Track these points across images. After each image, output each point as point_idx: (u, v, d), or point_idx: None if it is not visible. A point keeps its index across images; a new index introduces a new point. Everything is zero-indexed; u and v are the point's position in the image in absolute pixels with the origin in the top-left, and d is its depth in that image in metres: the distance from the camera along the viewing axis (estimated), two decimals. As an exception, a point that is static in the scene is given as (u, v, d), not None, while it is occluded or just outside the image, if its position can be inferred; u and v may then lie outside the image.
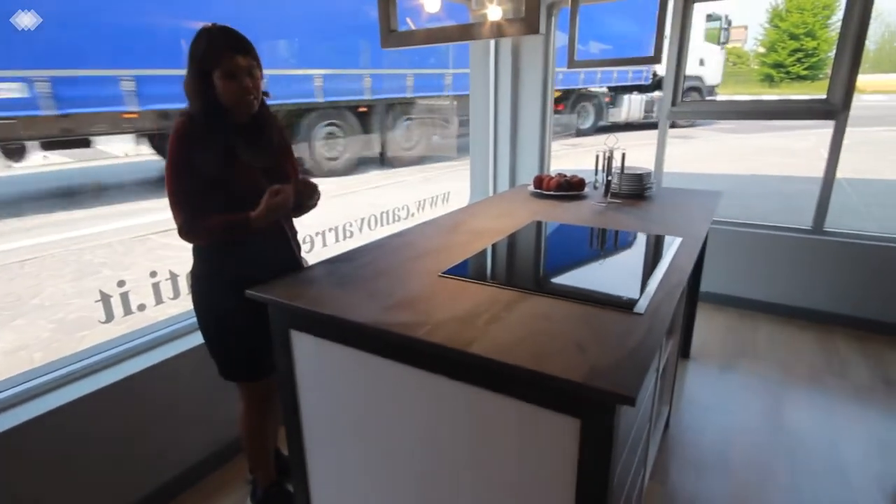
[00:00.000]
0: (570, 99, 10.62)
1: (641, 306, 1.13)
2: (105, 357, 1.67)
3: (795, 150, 8.95)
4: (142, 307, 1.80)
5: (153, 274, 1.83)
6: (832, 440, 2.03)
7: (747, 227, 3.14)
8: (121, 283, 1.73)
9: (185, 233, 1.32)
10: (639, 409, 1.25)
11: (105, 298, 1.68)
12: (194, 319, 1.55)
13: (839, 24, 2.66)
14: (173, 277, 1.86)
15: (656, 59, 1.83)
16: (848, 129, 2.76)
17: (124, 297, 1.73)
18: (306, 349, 1.27)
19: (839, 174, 2.86)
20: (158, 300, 1.85)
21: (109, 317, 1.69)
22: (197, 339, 1.80)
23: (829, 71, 2.74)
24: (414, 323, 1.07)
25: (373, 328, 1.08)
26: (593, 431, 0.89)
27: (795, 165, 7.79)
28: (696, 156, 9.34)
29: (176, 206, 1.30)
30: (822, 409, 2.24)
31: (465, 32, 0.94)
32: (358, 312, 1.14)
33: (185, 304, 1.58)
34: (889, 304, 2.82)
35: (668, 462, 1.95)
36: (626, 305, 1.14)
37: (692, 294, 2.62)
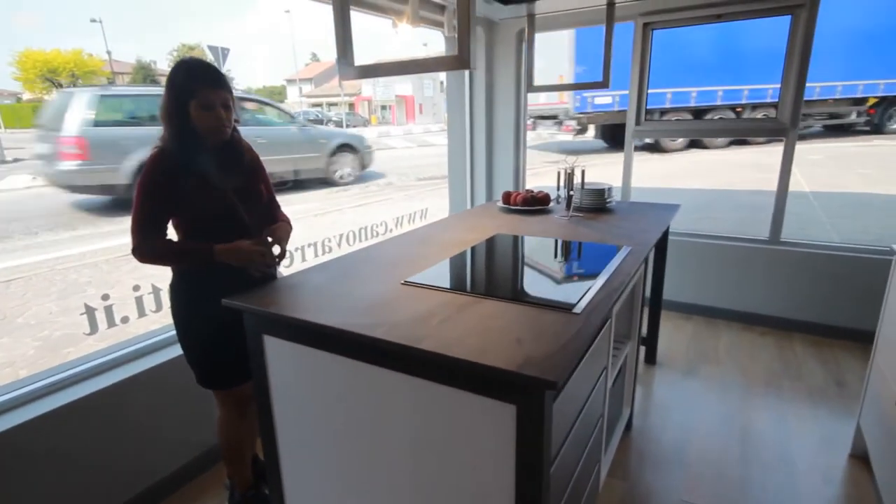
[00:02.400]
0: (882, 105, 11.35)
1: (580, 307, 1.26)
2: (85, 369, 1.75)
3: (766, 165, 9.25)
4: (125, 319, 1.89)
5: (136, 288, 1.92)
6: (783, 437, 2.15)
7: (710, 239, 3.31)
8: (105, 297, 1.82)
9: (137, 253, 1.43)
10: (582, 401, 1.37)
11: (90, 311, 1.77)
12: (173, 332, 1.64)
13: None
14: (155, 291, 1.96)
15: (605, 84, 1.99)
16: (818, 144, 2.96)
17: (108, 311, 1.82)
18: (278, 353, 1.37)
19: (807, 188, 3.05)
20: (141, 313, 1.94)
21: (94, 329, 1.78)
22: (174, 350, 1.89)
23: None
24: (373, 324, 1.19)
25: (336, 330, 1.19)
26: (527, 416, 1.00)
27: (766, 180, 8.06)
28: (672, 171, 9.61)
29: (134, 228, 1.41)
30: (776, 409, 2.37)
31: (410, 66, 1.08)
32: (324, 317, 1.25)
33: (167, 317, 1.67)
34: (843, 309, 2.97)
35: (629, 459, 2.06)
36: (566, 307, 1.26)
37: (655, 303, 2.76)
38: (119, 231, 5.51)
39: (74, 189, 5.75)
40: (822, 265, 2.99)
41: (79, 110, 5.26)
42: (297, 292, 1.45)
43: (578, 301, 1.29)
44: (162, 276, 1.52)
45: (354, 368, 1.22)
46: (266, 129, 6.79)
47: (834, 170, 8.47)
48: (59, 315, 3.44)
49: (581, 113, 10.00)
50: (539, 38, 2.35)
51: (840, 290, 2.97)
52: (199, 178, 1.43)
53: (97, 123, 5.27)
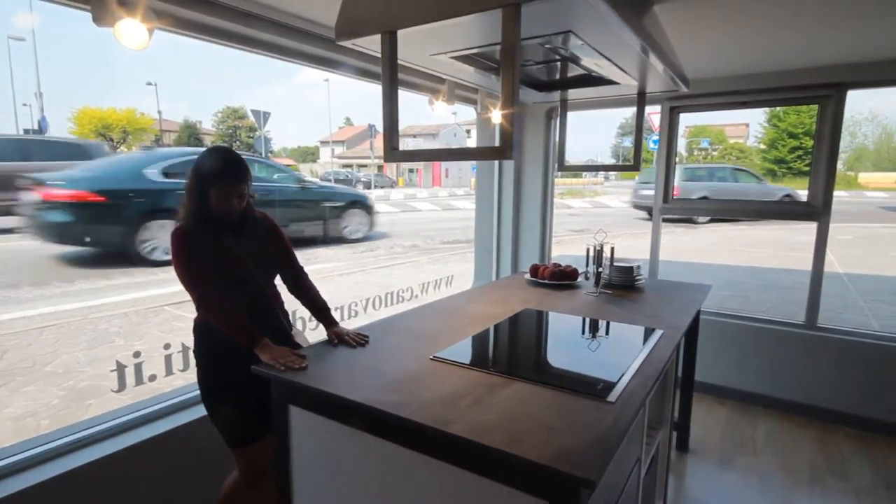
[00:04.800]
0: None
1: (614, 395, 1.22)
2: (105, 428, 1.73)
3: (794, 244, 9.11)
4: (153, 377, 1.91)
5: (167, 346, 1.95)
6: (832, 545, 1.97)
7: (743, 320, 3.21)
8: (136, 354, 1.85)
9: (201, 307, 1.54)
10: (616, 494, 1.29)
11: (120, 368, 1.80)
12: (193, 393, 1.67)
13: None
14: (185, 350, 1.98)
15: (635, 167, 2.04)
16: (850, 225, 2.92)
17: (138, 368, 1.84)
18: (303, 424, 1.35)
19: (841, 269, 2.97)
20: (168, 371, 1.96)
21: (122, 386, 1.80)
22: (197, 411, 1.87)
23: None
24: (400, 402, 1.17)
25: (363, 406, 1.17)
26: (560, 514, 0.95)
27: (794, 259, 7.91)
28: (699, 246, 9.53)
29: (190, 288, 1.52)
30: (823, 511, 2.19)
31: (454, 154, 1.14)
32: (351, 391, 1.24)
33: (194, 375, 1.69)
34: (890, 403, 2.80)
35: (662, 561, 1.90)
36: (600, 394, 1.23)
37: (686, 385, 2.65)
38: (155, 282, 5.66)
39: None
40: (863, 354, 2.85)
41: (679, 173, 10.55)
42: (325, 362, 1.45)
43: (612, 388, 1.26)
44: (190, 331, 1.58)
45: (379, 446, 1.19)
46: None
47: (867, 251, 8.28)
48: (86, 365, 3.48)
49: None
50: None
51: (886, 383, 2.81)
52: (216, 246, 1.56)
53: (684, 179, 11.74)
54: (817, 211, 2.93)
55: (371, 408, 1.16)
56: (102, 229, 5.49)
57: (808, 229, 2.96)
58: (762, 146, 26.84)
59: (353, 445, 1.25)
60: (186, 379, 1.97)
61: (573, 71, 1.82)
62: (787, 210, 3.12)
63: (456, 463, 1.07)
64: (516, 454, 0.96)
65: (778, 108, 23.63)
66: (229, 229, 1.60)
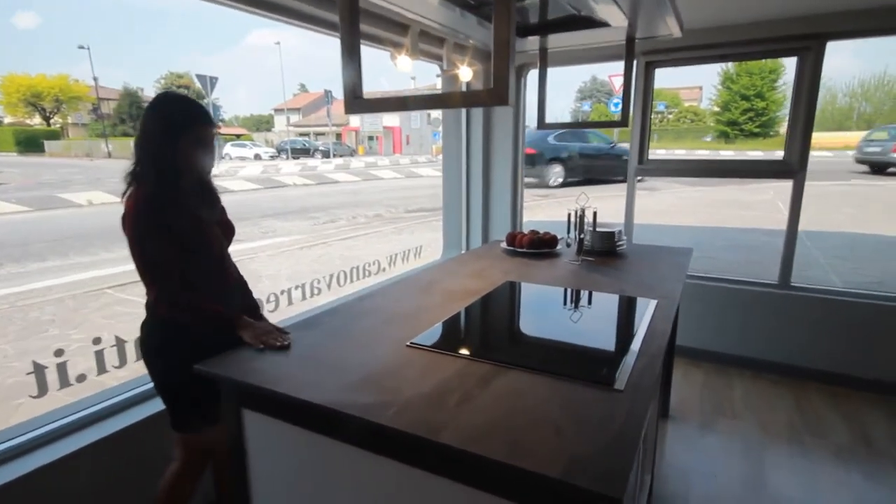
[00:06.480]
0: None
1: (621, 381, 1.07)
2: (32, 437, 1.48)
3: (754, 203, 9.34)
4: (81, 378, 1.64)
5: (97, 341, 1.68)
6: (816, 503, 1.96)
7: (717, 282, 3.17)
8: (58, 353, 1.58)
9: (162, 305, 1.30)
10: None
11: (38, 370, 1.52)
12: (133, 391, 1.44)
13: (784, 86, 2.84)
14: (120, 344, 1.71)
15: (623, 122, 1.87)
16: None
17: (61, 368, 1.57)
18: (260, 431, 1.15)
19: (798, 227, 2.94)
20: (101, 369, 1.69)
21: (42, 391, 1.53)
22: (136, 413, 1.63)
23: (779, 129, 2.91)
24: (377, 404, 0.98)
25: (333, 411, 0.98)
26: (576, 532, 0.80)
27: (755, 218, 8.11)
28: (662, 208, 9.63)
29: (148, 279, 1.28)
30: (805, 470, 2.18)
31: (434, 101, 0.93)
32: (318, 391, 1.04)
33: (132, 371, 1.45)
34: (862, 359, 2.83)
35: (653, 537, 1.83)
36: (605, 380, 1.07)
37: (669, 352, 2.58)
38: (95, 263, 5.21)
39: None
40: (836, 312, 2.86)
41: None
42: (285, 356, 1.23)
43: (617, 373, 1.11)
44: (135, 316, 1.33)
45: (355, 457, 1.00)
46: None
47: (821, 208, 8.57)
48: (14, 359, 3.12)
49: None
50: None
51: (856, 338, 2.83)
52: (192, 216, 1.34)
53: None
54: (793, 168, 2.87)
55: (343, 413, 0.97)
56: (532, 167, 10.53)
57: (766, 189, 2.90)
58: (716, 108, 27.38)
59: (322, 455, 1.06)
60: (119, 378, 1.71)
61: (555, 13, 1.60)
62: (764, 169, 3.06)
63: (448, 475, 0.90)
64: (525, 468, 0.79)
65: (731, 70, 24.03)
66: (199, 197, 1.38)
